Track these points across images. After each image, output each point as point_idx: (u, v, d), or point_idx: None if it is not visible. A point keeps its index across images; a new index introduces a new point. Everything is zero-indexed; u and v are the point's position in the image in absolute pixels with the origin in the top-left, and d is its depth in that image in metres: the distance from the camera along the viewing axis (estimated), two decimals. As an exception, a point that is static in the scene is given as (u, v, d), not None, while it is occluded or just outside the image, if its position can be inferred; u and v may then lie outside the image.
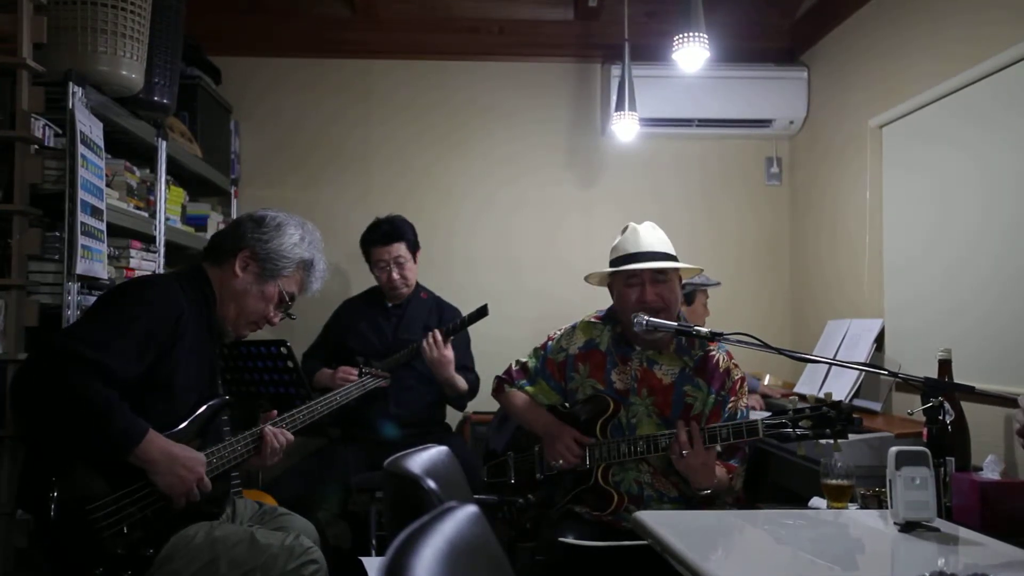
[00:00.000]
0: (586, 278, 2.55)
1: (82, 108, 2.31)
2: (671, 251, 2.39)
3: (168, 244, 2.94)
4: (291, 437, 2.17)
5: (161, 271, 2.83)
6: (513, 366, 2.61)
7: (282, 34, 4.06)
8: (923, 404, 2.14)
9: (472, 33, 4.09)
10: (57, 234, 2.26)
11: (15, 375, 1.82)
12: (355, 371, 3.19)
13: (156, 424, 1.91)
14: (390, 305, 3.49)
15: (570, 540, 2.19)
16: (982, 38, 2.60)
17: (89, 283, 2.40)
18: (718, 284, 3.52)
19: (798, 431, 2.13)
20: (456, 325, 3.25)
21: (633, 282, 2.36)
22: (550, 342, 2.57)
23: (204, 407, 2.04)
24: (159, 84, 2.79)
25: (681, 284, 2.45)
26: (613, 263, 2.40)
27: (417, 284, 3.53)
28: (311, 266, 2.21)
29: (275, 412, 2.21)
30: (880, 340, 3.11)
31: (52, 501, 1.75)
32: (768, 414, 2.23)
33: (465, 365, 3.40)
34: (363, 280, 3.64)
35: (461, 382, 3.31)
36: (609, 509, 2.35)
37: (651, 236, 2.39)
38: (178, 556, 1.86)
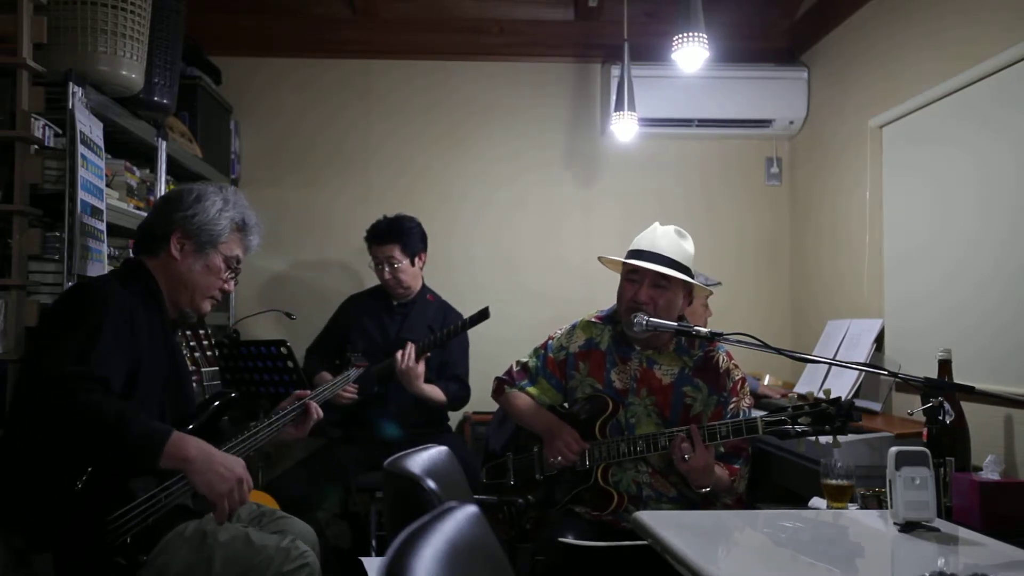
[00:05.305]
0: (599, 259, 2.55)
1: (82, 108, 2.31)
2: (682, 261, 2.36)
3: (168, 244, 2.93)
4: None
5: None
6: (514, 367, 2.60)
7: (282, 34, 4.06)
8: (923, 404, 2.14)
9: (472, 33, 4.08)
10: (57, 234, 2.26)
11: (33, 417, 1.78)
12: (352, 389, 3.15)
13: None
14: (395, 304, 3.49)
15: (570, 540, 2.19)
16: (982, 38, 2.60)
17: (89, 283, 2.40)
18: (719, 284, 3.51)
19: (797, 428, 2.12)
20: (433, 340, 3.20)
21: (634, 278, 2.36)
22: (551, 341, 2.57)
23: (213, 405, 2.03)
24: (159, 84, 2.79)
25: (690, 300, 2.43)
26: (627, 255, 2.41)
27: (424, 286, 3.52)
28: (244, 224, 2.19)
29: (308, 391, 2.29)
30: (880, 340, 3.11)
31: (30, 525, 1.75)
32: (765, 413, 2.23)
33: (456, 375, 3.38)
34: (362, 278, 3.64)
35: (436, 394, 3.27)
36: (609, 509, 2.35)
37: (667, 240, 2.37)
38: (171, 549, 1.84)
